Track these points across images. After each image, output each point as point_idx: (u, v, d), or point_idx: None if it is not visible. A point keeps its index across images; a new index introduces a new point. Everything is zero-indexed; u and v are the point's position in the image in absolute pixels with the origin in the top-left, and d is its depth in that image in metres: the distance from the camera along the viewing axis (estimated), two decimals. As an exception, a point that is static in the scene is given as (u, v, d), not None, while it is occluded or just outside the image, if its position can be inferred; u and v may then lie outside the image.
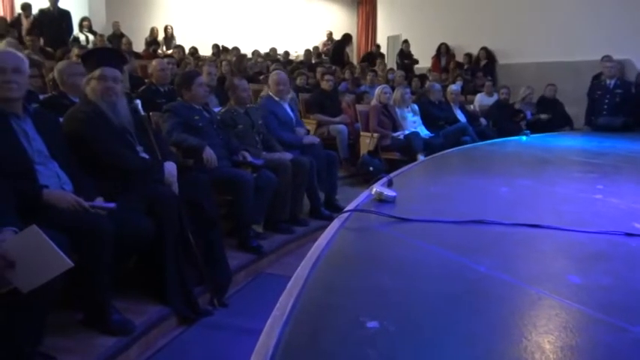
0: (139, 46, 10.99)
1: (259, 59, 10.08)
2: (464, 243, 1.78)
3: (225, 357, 2.59)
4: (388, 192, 2.25)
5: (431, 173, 3.32)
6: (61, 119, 2.82)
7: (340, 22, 14.97)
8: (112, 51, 3.55)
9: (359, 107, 6.36)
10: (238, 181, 3.47)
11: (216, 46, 11.59)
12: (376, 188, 2.27)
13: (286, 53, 11.62)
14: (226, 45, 11.33)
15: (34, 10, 9.35)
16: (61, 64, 3.91)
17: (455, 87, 7.16)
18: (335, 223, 1.89)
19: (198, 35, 12.47)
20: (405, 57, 11.35)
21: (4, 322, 1.98)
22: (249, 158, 3.82)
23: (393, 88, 6.52)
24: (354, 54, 14.16)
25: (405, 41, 11.64)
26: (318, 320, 1.13)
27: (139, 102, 3.01)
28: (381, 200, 2.23)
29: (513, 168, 3.83)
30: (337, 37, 12.66)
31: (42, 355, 2.17)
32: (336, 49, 11.55)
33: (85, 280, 2.34)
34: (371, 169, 5.72)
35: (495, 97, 8.01)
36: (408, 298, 1.29)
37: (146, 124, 3.00)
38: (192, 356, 2.57)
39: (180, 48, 9.80)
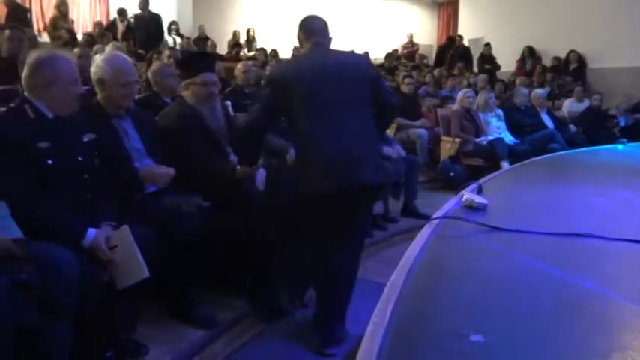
0: (222, 49, 11.36)
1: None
2: (562, 256, 1.69)
3: (305, 356, 2.62)
4: (479, 199, 2.17)
5: (520, 181, 3.18)
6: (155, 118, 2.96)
7: (421, 25, 14.77)
8: (208, 56, 3.67)
9: (440, 111, 6.24)
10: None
11: (296, 49, 11.75)
12: (466, 195, 2.20)
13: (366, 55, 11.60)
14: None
15: (129, 15, 9.89)
16: (154, 66, 4.10)
17: (541, 91, 6.86)
18: (425, 230, 1.84)
19: (278, 38, 12.70)
20: (487, 61, 11.01)
21: (103, 309, 2.09)
22: None
23: (476, 93, 6.34)
24: (433, 57, 13.92)
25: (487, 44, 11.29)
26: (419, 329, 1.11)
27: (229, 103, 3.10)
28: (472, 208, 2.16)
29: (609, 178, 3.60)
30: (418, 40, 12.53)
31: (135, 342, 2.28)
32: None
33: (174, 274, 2.43)
34: (452, 174, 5.60)
35: (586, 102, 7.60)
36: (509, 312, 1.23)
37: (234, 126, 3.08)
38: (273, 353, 2.62)
39: (262, 50, 10.02)
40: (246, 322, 2.74)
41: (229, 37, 11.98)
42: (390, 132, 5.79)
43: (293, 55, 2.58)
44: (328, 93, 2.42)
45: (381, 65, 10.51)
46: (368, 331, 1.08)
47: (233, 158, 2.98)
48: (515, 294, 1.36)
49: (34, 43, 4.07)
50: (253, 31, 12.14)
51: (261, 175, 2.99)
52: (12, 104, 2.13)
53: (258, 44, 11.61)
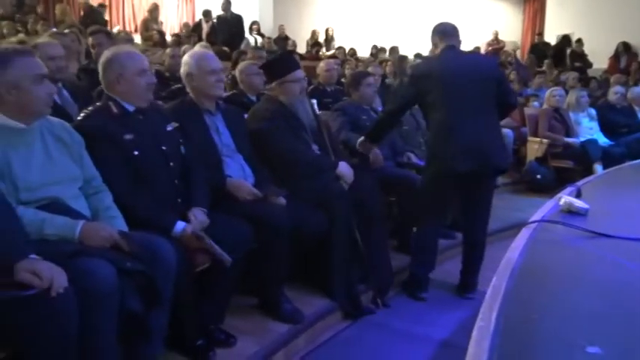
0: (301, 48, 11.50)
1: (418, 60, 9.96)
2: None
3: (386, 357, 2.60)
4: (579, 203, 2.05)
5: (619, 185, 2.99)
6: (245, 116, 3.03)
7: (505, 21, 14.22)
8: (293, 55, 3.74)
9: (527, 110, 5.99)
10: (404, 181, 3.45)
11: (375, 47, 11.71)
12: (565, 198, 2.09)
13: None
14: (385, 46, 11.39)
15: (213, 16, 10.23)
16: (241, 65, 4.21)
17: (638, 89, 6.41)
18: (523, 234, 1.77)
19: (356, 36, 12.70)
20: (577, 58, 10.44)
21: (193, 299, 2.17)
22: (414, 159, 3.77)
23: (565, 91, 6.02)
24: (517, 54, 13.38)
25: (578, 40, 10.70)
26: (529, 337, 1.06)
27: (314, 102, 3.13)
28: (571, 212, 2.05)
29: None
30: (503, 37, 12.08)
31: (224, 332, 2.34)
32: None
33: (262, 268, 2.48)
34: (538, 177, 5.36)
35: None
36: (628, 323, 1.15)
37: (321, 124, 3.10)
38: (354, 352, 2.61)
39: (341, 49, 10.04)
40: (329, 319, 2.75)
41: (308, 36, 12.12)
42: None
43: (429, 56, 2.96)
44: (463, 87, 2.83)
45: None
46: (474, 336, 1.04)
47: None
48: (629, 304, 1.28)
49: (119, 43, 4.29)
50: (332, 30, 12.21)
51: (344, 165, 3.00)
52: (98, 103, 2.28)
53: (337, 43, 11.65)
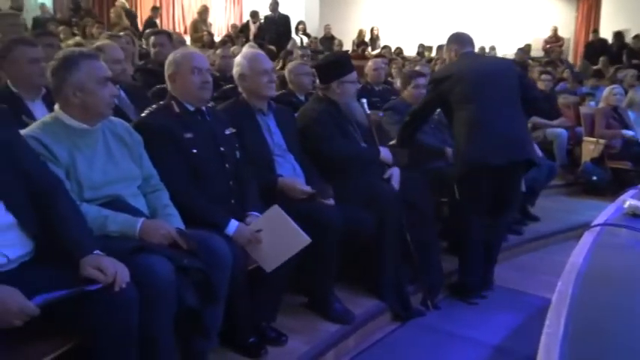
0: (347, 47, 11.48)
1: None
2: None
3: (435, 358, 2.56)
4: (645, 207, 1.97)
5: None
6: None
7: (558, 17, 13.74)
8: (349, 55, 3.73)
9: (582, 110, 5.78)
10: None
11: (421, 46, 11.58)
12: (630, 201, 2.01)
13: (492, 49, 11.08)
14: (431, 44, 11.25)
15: (260, 16, 10.34)
16: (290, 65, 4.23)
17: (703, 87, 6.09)
18: (587, 238, 1.71)
19: (402, 35, 12.58)
20: (635, 55, 10.00)
21: (247, 297, 2.19)
22: None
23: (625, 90, 5.78)
24: (569, 51, 12.97)
25: (636, 37, 10.25)
26: (602, 346, 1.02)
27: (365, 101, 3.12)
28: (636, 215, 1.97)
29: None
30: (562, 34, 11.67)
31: (275, 330, 2.36)
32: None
33: (312, 267, 2.49)
34: (594, 178, 5.17)
35: None
36: None
37: (371, 123, 3.09)
38: (405, 354, 2.59)
39: (387, 48, 9.97)
40: (379, 320, 2.74)
41: (353, 35, 12.09)
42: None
43: (449, 60, 3.05)
44: (488, 83, 2.96)
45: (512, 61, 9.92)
46: (543, 343, 1.01)
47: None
48: None
49: (178, 46, 4.39)
50: (377, 29, 12.15)
51: (385, 150, 3.01)
52: (162, 102, 2.33)
53: (382, 42, 11.59)
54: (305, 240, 2.16)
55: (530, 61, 9.60)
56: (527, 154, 2.96)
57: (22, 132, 1.77)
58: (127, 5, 10.41)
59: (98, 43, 3.02)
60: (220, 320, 2.01)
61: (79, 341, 1.56)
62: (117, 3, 9.82)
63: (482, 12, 13.68)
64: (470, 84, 2.94)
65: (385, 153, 3.00)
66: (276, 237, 2.17)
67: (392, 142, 3.31)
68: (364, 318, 2.64)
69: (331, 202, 2.62)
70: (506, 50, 11.47)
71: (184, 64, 2.25)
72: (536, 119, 5.77)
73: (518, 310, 3.02)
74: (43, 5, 9.57)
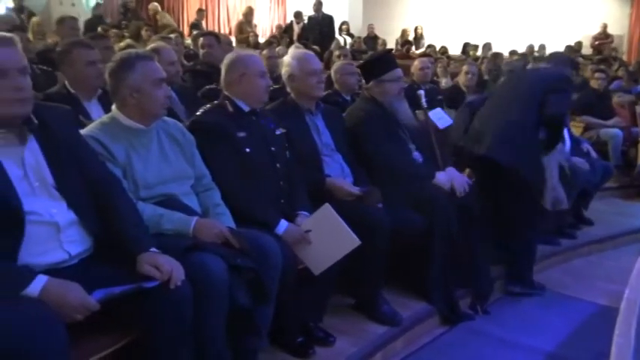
0: (390, 47, 11.38)
1: (514, 57, 9.52)
2: None
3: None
4: None
5: None
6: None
7: (610, 13, 13.23)
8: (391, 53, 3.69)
9: (638, 109, 5.55)
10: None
11: (467, 44, 11.37)
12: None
13: (541, 47, 10.75)
14: (477, 43, 11.02)
15: (304, 17, 10.38)
16: (335, 65, 4.21)
17: None
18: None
19: (446, 34, 12.39)
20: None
21: (295, 296, 2.19)
22: None
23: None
24: (624, 48, 12.47)
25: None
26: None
27: (422, 92, 3.08)
28: None
29: None
30: (612, 30, 11.24)
31: (323, 331, 2.36)
32: None
33: (360, 268, 2.47)
34: (650, 180, 4.96)
35: None
36: None
37: (429, 127, 3.05)
38: (453, 358, 2.54)
39: (432, 47, 9.84)
40: (427, 323, 2.70)
41: (397, 34, 11.98)
42: (576, 132, 5.29)
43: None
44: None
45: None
46: (614, 353, 0.97)
47: (416, 155, 2.95)
48: None
49: (226, 48, 4.45)
50: (421, 28, 12.01)
51: (442, 175, 2.91)
52: (216, 102, 2.37)
53: (426, 41, 11.44)
54: (355, 242, 2.14)
55: (581, 59, 9.28)
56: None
57: (82, 132, 1.82)
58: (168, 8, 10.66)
59: (152, 45, 3.09)
60: (270, 319, 2.02)
61: (137, 336, 1.60)
62: (150, 7, 10.03)
63: (529, 10, 13.32)
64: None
65: (442, 178, 2.83)
66: (325, 238, 2.16)
67: None
68: (412, 321, 2.61)
69: (379, 206, 2.60)
70: (556, 48, 11.11)
71: (253, 67, 2.29)
72: (589, 119, 5.59)
73: (571, 317, 2.93)
74: (98, 5, 9.85)
